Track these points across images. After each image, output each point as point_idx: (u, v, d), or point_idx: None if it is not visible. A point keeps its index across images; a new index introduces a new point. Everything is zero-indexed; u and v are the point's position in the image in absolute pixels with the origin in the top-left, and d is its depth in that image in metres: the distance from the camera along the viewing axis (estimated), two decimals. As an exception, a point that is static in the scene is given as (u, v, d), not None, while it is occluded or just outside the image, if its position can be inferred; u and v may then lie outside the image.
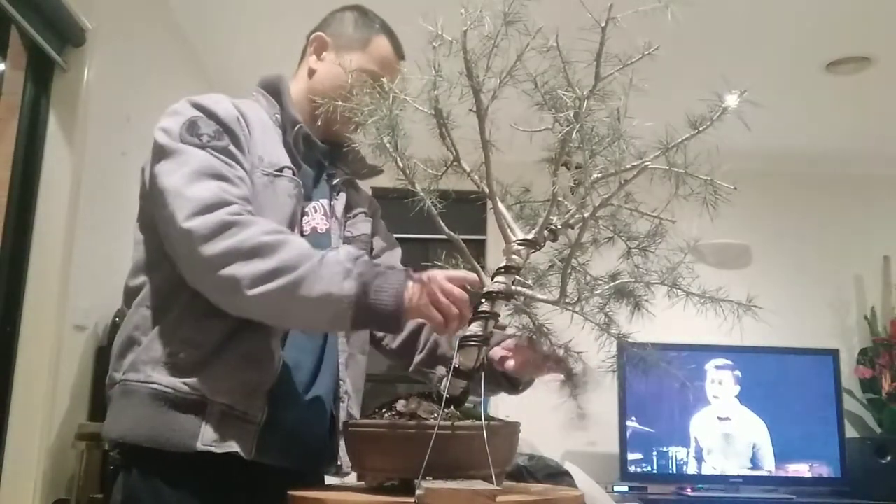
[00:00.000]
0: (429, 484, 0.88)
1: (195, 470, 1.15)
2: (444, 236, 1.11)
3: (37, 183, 2.20)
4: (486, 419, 1.00)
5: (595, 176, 1.04)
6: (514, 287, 1.08)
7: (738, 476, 3.67)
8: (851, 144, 4.10)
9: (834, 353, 3.85)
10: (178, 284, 1.19)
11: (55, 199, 2.21)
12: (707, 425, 3.72)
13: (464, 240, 1.13)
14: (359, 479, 1.14)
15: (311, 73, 1.42)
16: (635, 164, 1.02)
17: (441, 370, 1.40)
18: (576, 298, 1.12)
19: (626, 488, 3.56)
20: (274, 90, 1.39)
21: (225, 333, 1.18)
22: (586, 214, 1.06)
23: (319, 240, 1.32)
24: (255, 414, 1.18)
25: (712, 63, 3.10)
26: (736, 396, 3.76)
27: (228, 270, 1.09)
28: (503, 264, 1.08)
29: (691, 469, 3.68)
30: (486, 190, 1.08)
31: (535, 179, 1.17)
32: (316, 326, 1.25)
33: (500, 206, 1.09)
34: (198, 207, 1.11)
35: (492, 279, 1.08)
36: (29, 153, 2.19)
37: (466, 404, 1.07)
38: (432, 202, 1.09)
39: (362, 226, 1.47)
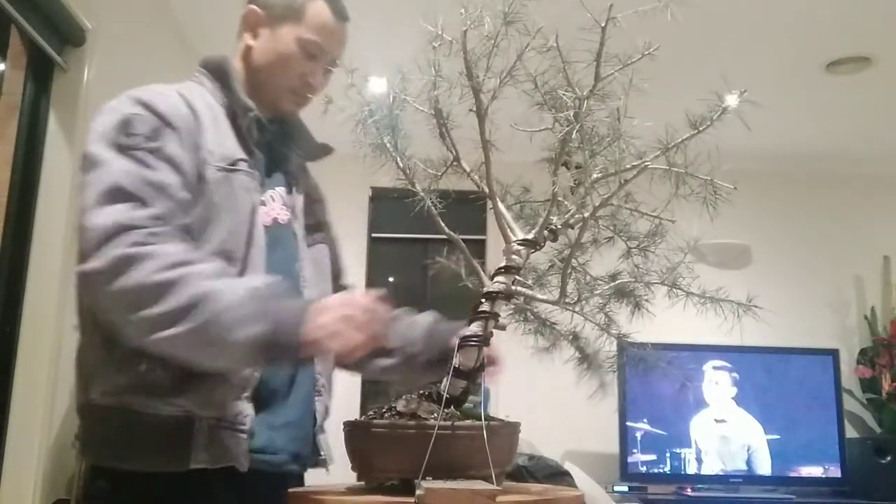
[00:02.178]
0: (429, 484, 0.88)
1: (187, 487, 1.11)
2: (444, 236, 1.11)
3: (37, 183, 2.20)
4: (486, 419, 1.00)
5: (595, 176, 1.04)
6: (514, 287, 1.08)
7: (738, 476, 3.67)
8: (851, 144, 4.11)
9: (834, 353, 3.86)
10: None
11: (55, 199, 2.21)
12: (705, 427, 3.72)
13: (464, 240, 1.13)
14: (359, 479, 1.14)
15: (248, 50, 1.32)
16: (635, 164, 1.02)
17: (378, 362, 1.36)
18: (576, 298, 1.12)
19: (626, 488, 3.56)
20: (221, 73, 1.29)
21: None
22: (586, 214, 1.06)
23: (282, 231, 1.28)
24: (244, 421, 1.14)
25: (712, 63, 3.10)
26: (732, 398, 3.76)
27: (128, 316, 1.03)
28: (503, 264, 1.08)
29: (692, 469, 3.68)
30: (486, 190, 1.08)
31: (535, 179, 1.17)
32: (224, 368, 1.13)
33: (500, 206, 1.09)
34: (92, 242, 1.03)
35: (492, 279, 1.08)
36: (29, 153, 2.19)
37: (466, 404, 1.07)
38: (432, 202, 1.09)
39: (319, 211, 1.42)
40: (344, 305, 1.07)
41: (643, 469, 3.65)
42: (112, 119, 1.14)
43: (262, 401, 1.18)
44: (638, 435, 3.66)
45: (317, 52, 1.30)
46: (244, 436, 1.14)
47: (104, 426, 1.13)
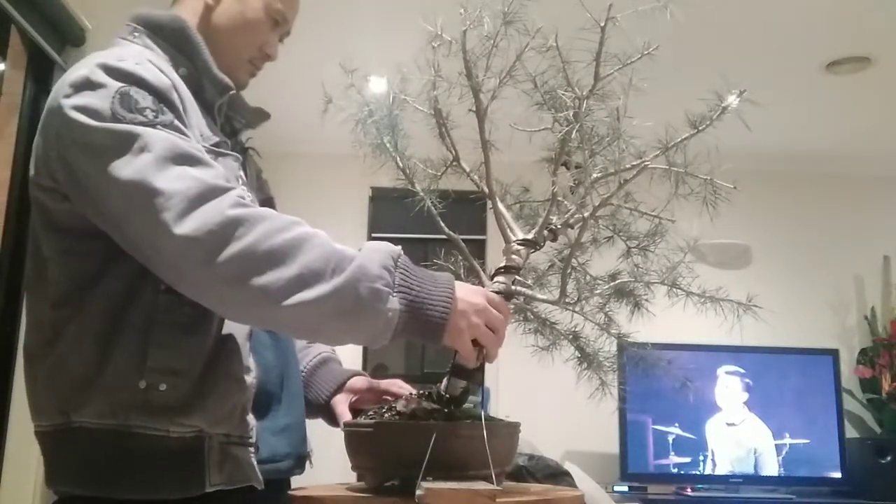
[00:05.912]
0: (429, 484, 0.88)
1: None
2: (444, 236, 1.11)
3: (37, 183, 2.20)
4: (486, 419, 1.00)
5: (595, 176, 1.04)
6: (514, 287, 1.08)
7: (739, 476, 3.67)
8: (851, 144, 4.10)
9: (834, 353, 3.85)
10: (128, 302, 0.99)
11: (55, 199, 2.20)
12: (717, 430, 3.72)
13: (464, 240, 1.13)
14: (359, 479, 1.14)
15: (207, 11, 1.16)
16: (635, 163, 1.02)
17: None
18: (576, 298, 1.12)
19: (626, 488, 3.56)
20: (181, 40, 1.11)
21: (204, 354, 1.01)
22: (586, 214, 1.06)
23: None
24: (250, 433, 1.06)
25: (712, 63, 3.10)
26: (744, 403, 3.75)
27: (250, 283, 0.88)
28: (503, 264, 1.08)
29: (708, 471, 3.68)
30: (486, 190, 1.08)
31: (534, 179, 1.17)
32: (351, 342, 1.00)
33: (500, 206, 1.09)
34: (184, 205, 0.89)
35: (492, 279, 1.08)
36: (29, 153, 2.18)
37: (466, 404, 1.07)
38: (432, 202, 1.09)
39: (266, 186, 1.31)
40: (487, 301, 0.98)
41: (676, 471, 3.65)
42: (104, 94, 0.95)
43: (259, 407, 1.11)
44: (670, 438, 3.67)
45: (280, 21, 1.20)
46: (252, 449, 1.06)
47: (91, 451, 0.98)
